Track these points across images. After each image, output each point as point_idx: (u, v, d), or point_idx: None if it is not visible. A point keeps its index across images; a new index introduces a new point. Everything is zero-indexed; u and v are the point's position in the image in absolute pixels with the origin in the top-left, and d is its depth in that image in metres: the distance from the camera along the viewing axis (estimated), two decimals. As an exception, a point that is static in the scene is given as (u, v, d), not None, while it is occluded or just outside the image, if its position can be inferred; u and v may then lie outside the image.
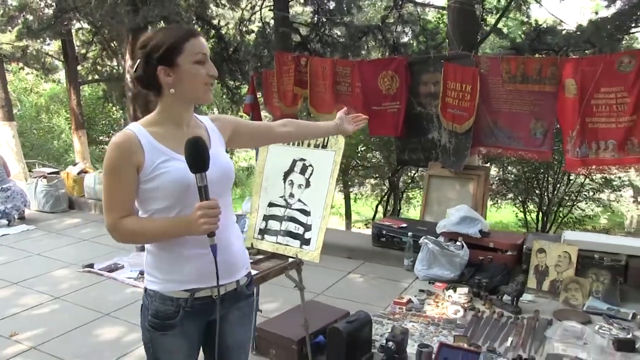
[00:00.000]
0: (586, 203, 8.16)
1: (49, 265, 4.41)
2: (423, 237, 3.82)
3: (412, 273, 3.87)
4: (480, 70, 4.34)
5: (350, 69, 4.97)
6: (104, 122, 12.45)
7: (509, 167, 7.68)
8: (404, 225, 4.27)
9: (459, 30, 4.80)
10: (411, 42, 6.92)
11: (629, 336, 2.85)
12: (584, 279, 3.44)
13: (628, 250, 3.46)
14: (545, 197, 7.41)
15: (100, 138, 12.71)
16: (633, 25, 4.93)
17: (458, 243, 3.79)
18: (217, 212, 1.29)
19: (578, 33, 5.01)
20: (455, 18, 4.88)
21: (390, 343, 2.54)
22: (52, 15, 5.72)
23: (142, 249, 2.64)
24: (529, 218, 7.91)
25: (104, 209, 1.40)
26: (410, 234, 4.00)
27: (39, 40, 6.85)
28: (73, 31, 7.60)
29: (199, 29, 6.64)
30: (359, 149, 10.72)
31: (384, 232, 4.22)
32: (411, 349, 2.71)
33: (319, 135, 2.13)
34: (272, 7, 5.85)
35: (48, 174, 6.39)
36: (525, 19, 6.28)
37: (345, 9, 6.11)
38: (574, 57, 4.59)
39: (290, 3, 6.18)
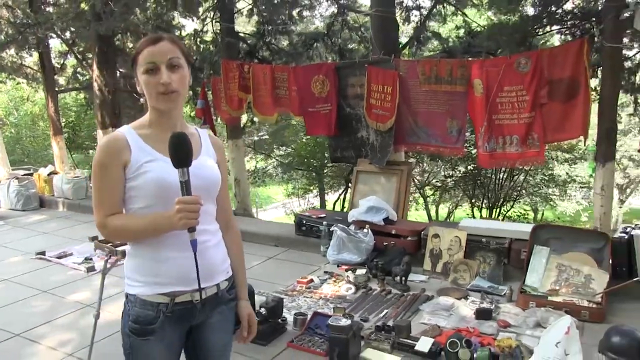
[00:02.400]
0: (531, 199, 8.43)
1: (5, 254, 4.83)
2: (334, 225, 4.19)
3: (327, 258, 4.23)
4: (399, 73, 4.71)
5: (287, 74, 5.36)
6: (88, 128, 13.02)
7: (457, 165, 8.00)
8: (322, 215, 4.64)
9: (380, 36, 5.16)
10: (357, 47, 7.32)
11: (491, 307, 3.20)
12: (472, 261, 3.78)
13: (510, 234, 3.79)
14: (492, 193, 7.70)
15: (86, 143, 13.28)
16: (537, 26, 5.25)
17: (365, 230, 4.15)
18: (197, 207, 1.29)
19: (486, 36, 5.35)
20: (377, 25, 5.25)
21: (262, 309, 2.92)
22: (16, 30, 6.22)
23: (94, 239, 2.90)
24: (477, 215, 8.20)
25: (93, 207, 1.43)
26: (325, 223, 4.36)
27: (7, 53, 7.35)
28: (53, 43, 8.12)
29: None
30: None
31: (304, 221, 4.59)
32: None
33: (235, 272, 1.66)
34: (218, 19, 6.27)
35: (21, 175, 6.88)
36: (462, 24, 6.66)
37: (287, 19, 6.51)
38: (479, 58, 4.94)
39: (237, 14, 6.60)
